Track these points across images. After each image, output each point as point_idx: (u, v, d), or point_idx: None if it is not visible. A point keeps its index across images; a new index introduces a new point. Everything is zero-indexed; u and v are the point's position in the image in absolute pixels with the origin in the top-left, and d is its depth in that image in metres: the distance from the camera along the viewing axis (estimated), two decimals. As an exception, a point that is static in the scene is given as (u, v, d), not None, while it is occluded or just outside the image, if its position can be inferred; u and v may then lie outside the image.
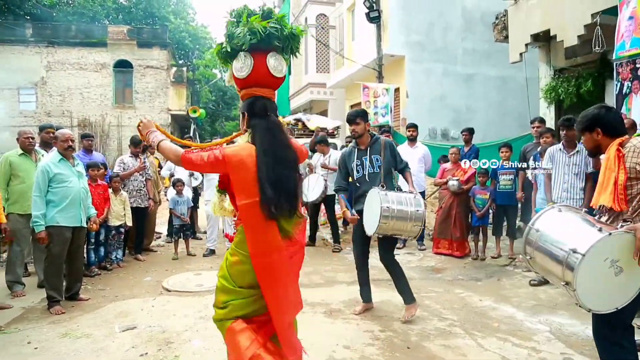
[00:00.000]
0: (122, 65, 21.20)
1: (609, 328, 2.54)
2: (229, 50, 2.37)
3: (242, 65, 2.35)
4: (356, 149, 4.30)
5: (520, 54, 7.52)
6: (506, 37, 8.06)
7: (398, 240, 4.46)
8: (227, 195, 2.53)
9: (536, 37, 7.26)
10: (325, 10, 17.65)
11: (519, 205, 6.37)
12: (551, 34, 6.76)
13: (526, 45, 7.40)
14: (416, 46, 12.26)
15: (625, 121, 4.86)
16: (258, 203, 2.19)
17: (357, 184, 4.26)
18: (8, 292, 4.95)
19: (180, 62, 26.57)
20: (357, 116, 4.22)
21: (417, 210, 3.91)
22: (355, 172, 4.27)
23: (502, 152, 6.46)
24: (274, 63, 2.38)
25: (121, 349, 3.53)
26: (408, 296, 4.15)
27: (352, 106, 15.42)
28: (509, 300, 4.69)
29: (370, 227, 4.01)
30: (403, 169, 4.28)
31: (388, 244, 4.30)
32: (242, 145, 2.30)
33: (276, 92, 2.57)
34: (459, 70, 12.60)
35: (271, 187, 2.20)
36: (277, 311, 2.26)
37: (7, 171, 5.03)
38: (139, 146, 6.80)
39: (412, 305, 4.13)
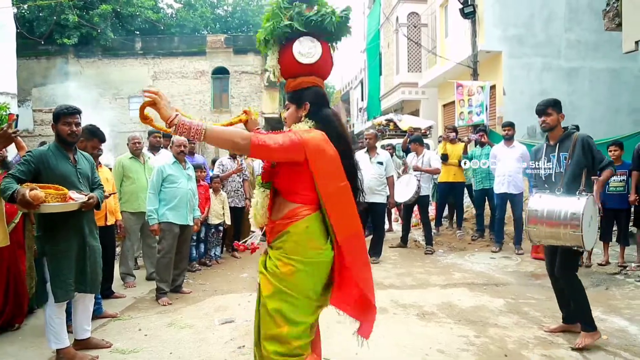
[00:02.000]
0: (220, 72, 22.40)
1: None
2: (290, 30, 2.27)
3: (311, 50, 2.28)
4: (545, 145, 3.85)
5: (636, 42, 6.83)
6: (619, 25, 7.36)
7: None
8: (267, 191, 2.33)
9: (654, 24, 6.57)
10: (417, 9, 17.34)
11: (632, 208, 5.82)
12: (672, 19, 6.08)
13: (642, 33, 6.71)
14: (514, 40, 11.64)
15: None
16: (349, 186, 2.21)
17: (545, 185, 3.78)
18: (121, 283, 5.45)
19: (273, 66, 27.46)
20: (549, 106, 3.71)
21: (573, 214, 3.34)
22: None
23: (611, 151, 5.94)
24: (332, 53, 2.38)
25: (220, 341, 3.74)
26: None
27: (444, 105, 15.01)
28: (619, 312, 4.30)
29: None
30: (603, 168, 3.62)
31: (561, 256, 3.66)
32: (309, 130, 2.18)
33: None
34: (562, 64, 11.76)
35: (352, 170, 2.27)
36: (369, 291, 2.27)
37: (120, 173, 5.52)
38: None
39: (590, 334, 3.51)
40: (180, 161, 5.06)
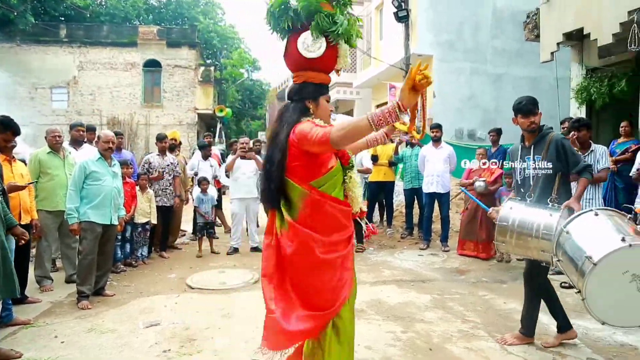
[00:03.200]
0: (152, 65, 21.57)
1: None
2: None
3: (319, 46, 2.33)
4: (520, 146, 3.62)
5: (552, 53, 7.34)
6: (537, 36, 7.88)
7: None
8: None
9: (569, 36, 7.07)
10: (353, 10, 17.54)
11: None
12: (584, 32, 6.56)
13: (558, 44, 7.21)
14: (445, 45, 12.10)
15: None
16: None
17: (521, 189, 3.54)
18: (37, 287, 5.08)
19: (208, 61, 26.87)
20: (535, 104, 3.46)
21: (545, 232, 3.10)
22: (517, 174, 3.60)
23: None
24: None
25: (144, 345, 3.58)
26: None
27: (378, 106, 15.32)
28: (535, 305, 4.58)
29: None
30: (580, 172, 3.39)
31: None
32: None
33: None
34: (489, 70, 12.39)
35: None
36: None
37: (36, 169, 5.14)
38: (164, 141, 6.86)
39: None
40: (106, 158, 4.82)
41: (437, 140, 7.35)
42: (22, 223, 4.37)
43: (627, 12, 5.72)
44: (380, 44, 14.61)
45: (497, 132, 7.37)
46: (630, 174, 5.05)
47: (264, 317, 2.32)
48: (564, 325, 3.57)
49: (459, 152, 7.92)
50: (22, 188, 4.22)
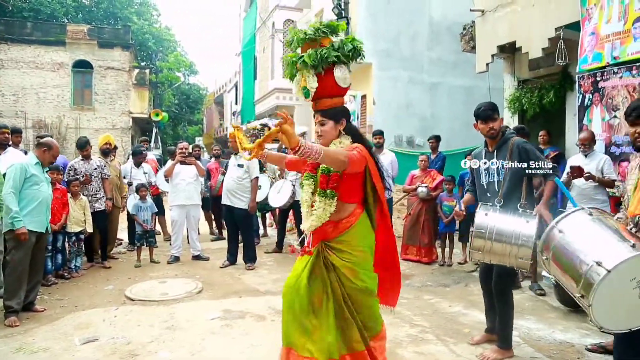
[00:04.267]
0: (82, 66, 20.50)
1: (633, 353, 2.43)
2: (337, 59, 2.67)
3: (347, 76, 2.74)
4: (484, 151, 3.62)
5: (487, 64, 7.68)
6: (473, 47, 8.21)
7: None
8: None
9: (502, 49, 7.43)
10: (292, 16, 17.62)
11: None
12: (517, 45, 6.93)
13: (492, 56, 7.55)
14: (383, 54, 12.36)
15: (585, 132, 5.11)
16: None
17: (487, 194, 3.51)
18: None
19: (143, 64, 25.93)
20: (495, 110, 3.47)
21: (524, 240, 3.12)
22: (482, 177, 3.55)
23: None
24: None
25: (81, 363, 3.34)
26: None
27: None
28: (477, 306, 4.70)
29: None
30: (546, 175, 3.40)
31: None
32: (359, 145, 2.62)
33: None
34: (425, 79, 12.78)
35: (381, 172, 2.80)
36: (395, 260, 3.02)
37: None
38: (86, 148, 6.51)
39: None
40: (45, 164, 4.61)
41: (379, 147, 7.46)
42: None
43: (554, 28, 6.10)
44: (320, 50, 14.71)
45: (436, 139, 7.60)
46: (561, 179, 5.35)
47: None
48: (498, 335, 3.51)
49: (400, 159, 8.10)
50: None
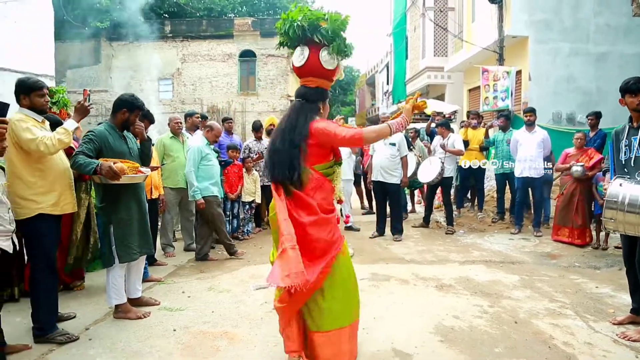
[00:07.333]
0: (247, 55, 22.82)
1: None
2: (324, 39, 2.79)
3: (332, 60, 2.83)
4: (628, 127, 3.58)
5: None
6: (645, 11, 7.42)
7: None
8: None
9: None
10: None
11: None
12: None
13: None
14: (541, 25, 11.59)
15: None
16: None
17: (625, 169, 3.51)
18: (162, 253, 5.93)
19: (299, 49, 27.63)
20: None
21: None
22: (622, 153, 3.56)
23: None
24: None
25: (256, 303, 4.14)
26: None
27: (470, 90, 15.08)
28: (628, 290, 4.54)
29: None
30: None
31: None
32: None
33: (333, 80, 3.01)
34: (590, 50, 11.67)
35: None
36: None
37: (161, 152, 5.95)
38: (260, 130, 7.49)
39: None
40: (211, 143, 5.75)
41: (530, 125, 7.26)
42: (153, 197, 5.19)
43: None
44: (472, 26, 14.29)
45: (596, 116, 7.11)
46: None
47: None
48: None
49: (554, 137, 7.75)
50: (155, 169, 4.95)
